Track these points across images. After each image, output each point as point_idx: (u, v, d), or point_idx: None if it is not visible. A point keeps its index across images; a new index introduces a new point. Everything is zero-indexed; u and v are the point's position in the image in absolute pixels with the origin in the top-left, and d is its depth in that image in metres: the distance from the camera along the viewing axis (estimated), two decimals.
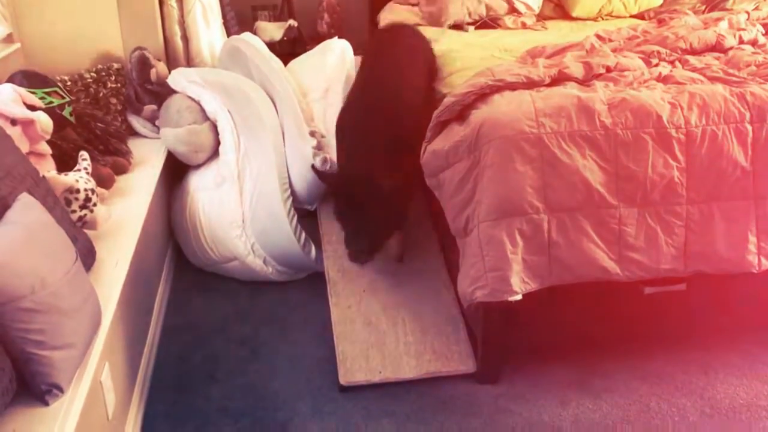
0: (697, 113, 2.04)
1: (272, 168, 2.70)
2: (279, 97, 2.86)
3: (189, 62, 3.38)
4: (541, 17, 3.78)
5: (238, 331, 2.50)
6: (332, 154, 2.67)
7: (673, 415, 2.06)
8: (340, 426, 2.04)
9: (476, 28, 3.62)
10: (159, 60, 3.17)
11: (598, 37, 2.76)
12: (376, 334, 2.29)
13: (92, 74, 2.95)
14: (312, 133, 2.74)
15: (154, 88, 3.10)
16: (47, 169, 2.14)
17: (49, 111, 2.30)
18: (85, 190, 2.10)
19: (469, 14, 3.63)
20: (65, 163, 2.31)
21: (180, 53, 3.37)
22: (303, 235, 2.73)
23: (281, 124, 2.81)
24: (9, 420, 1.41)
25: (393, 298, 2.43)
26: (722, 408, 2.08)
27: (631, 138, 2.00)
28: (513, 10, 3.66)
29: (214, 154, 2.89)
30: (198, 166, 2.94)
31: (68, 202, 2.06)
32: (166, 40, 3.33)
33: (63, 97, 2.47)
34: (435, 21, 3.70)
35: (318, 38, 3.61)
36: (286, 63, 3.16)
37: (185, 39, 3.37)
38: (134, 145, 2.88)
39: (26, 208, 1.59)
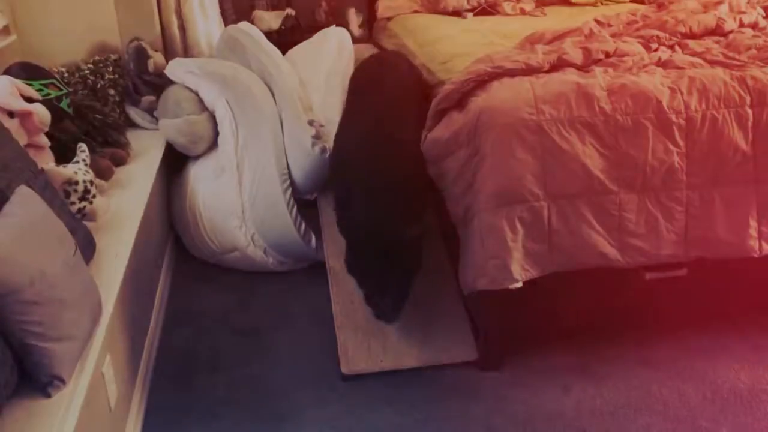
0: (697, 98, 2.03)
1: (271, 158, 2.69)
2: (277, 86, 2.85)
3: (186, 52, 3.36)
4: (540, 3, 3.76)
5: (240, 321, 2.50)
6: (330, 143, 2.66)
7: (674, 399, 2.06)
8: (343, 415, 2.04)
9: (475, 15, 3.60)
10: (156, 50, 3.16)
11: (598, 22, 2.75)
12: (377, 323, 2.28)
13: (90, 65, 2.93)
14: (311, 122, 2.73)
15: (152, 79, 3.08)
16: (46, 161, 2.14)
17: (47, 103, 2.28)
18: (84, 181, 2.10)
19: (468, 0, 3.62)
20: (64, 155, 2.30)
21: (177, 43, 3.35)
22: (303, 224, 2.72)
23: (280, 114, 2.80)
24: (11, 412, 1.41)
25: None
26: (723, 392, 2.08)
27: (631, 124, 2.00)
28: None
29: (213, 144, 2.88)
30: (197, 157, 2.93)
31: (67, 194, 2.06)
32: (163, 31, 3.31)
33: (60, 89, 2.46)
34: (433, 7, 3.68)
35: (316, 27, 3.58)
36: (284, 52, 3.14)
37: (182, 29, 3.35)
38: (133, 136, 2.87)
39: (25, 200, 1.58)
